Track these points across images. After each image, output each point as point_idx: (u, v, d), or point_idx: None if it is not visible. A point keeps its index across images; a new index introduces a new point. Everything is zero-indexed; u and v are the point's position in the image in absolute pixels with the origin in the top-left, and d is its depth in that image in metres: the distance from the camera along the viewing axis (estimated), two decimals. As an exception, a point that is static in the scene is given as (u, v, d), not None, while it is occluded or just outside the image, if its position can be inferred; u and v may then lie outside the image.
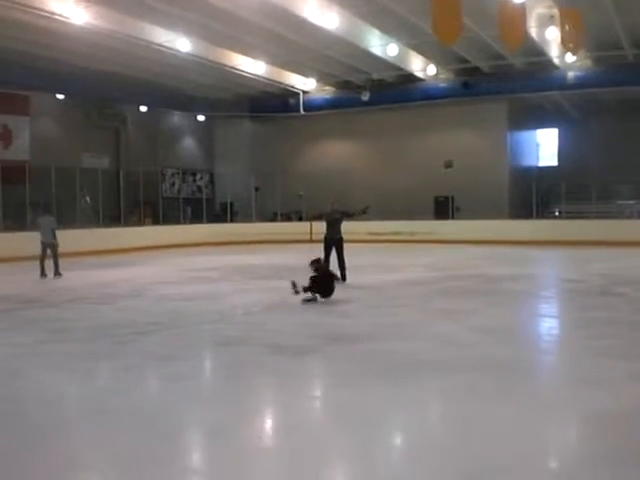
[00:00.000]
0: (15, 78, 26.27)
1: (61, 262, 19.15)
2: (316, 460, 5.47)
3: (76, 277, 19.19)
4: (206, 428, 6.43)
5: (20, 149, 28.39)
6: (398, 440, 6.23)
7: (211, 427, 6.38)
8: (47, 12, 20.63)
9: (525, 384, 7.62)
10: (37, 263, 18.81)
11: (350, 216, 17.08)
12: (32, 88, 27.85)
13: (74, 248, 25.48)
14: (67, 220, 27.75)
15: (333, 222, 16.50)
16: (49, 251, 19.07)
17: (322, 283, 13.20)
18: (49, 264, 18.91)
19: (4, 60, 25.14)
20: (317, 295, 13.10)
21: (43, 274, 18.78)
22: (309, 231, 28.88)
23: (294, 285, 13.17)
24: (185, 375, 8.13)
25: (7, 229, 25.45)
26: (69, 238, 25.94)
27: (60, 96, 29.90)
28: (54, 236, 19.06)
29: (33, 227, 23.66)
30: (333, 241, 16.36)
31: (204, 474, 5.43)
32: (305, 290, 13.07)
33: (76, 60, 26.25)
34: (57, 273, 18.88)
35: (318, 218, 17.34)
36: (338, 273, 15.26)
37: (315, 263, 13.53)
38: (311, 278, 13.21)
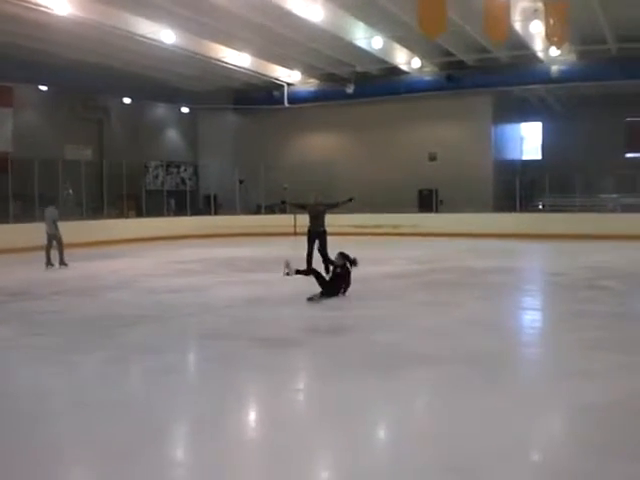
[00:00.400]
0: (-2, 69, 26.07)
1: (43, 255, 19.13)
2: (301, 453, 5.47)
3: (61, 269, 19.11)
4: (191, 420, 6.43)
5: (2, 140, 28.17)
6: (383, 432, 6.25)
7: (196, 419, 6.38)
8: (31, 3, 20.48)
9: (510, 377, 7.66)
10: (20, 255, 18.75)
11: (334, 206, 16.83)
12: (15, 79, 27.61)
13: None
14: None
15: (317, 215, 16.25)
16: (54, 242, 19.50)
17: (336, 281, 12.97)
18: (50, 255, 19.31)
19: (-13, 51, 24.97)
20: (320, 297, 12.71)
21: (49, 264, 19.28)
22: (293, 224, 28.87)
23: (287, 265, 13.01)
24: (170, 368, 8.11)
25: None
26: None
27: (43, 87, 29.69)
28: (56, 227, 19.47)
29: (18, 219, 23.66)
30: (316, 234, 16.09)
31: (188, 467, 5.42)
32: (297, 272, 12.97)
33: (60, 51, 26.07)
34: (62, 263, 19.41)
35: (301, 207, 17.01)
36: (322, 266, 14.94)
37: (343, 257, 13.11)
38: (333, 271, 13.16)
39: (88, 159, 32.06)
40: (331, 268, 13.51)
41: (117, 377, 7.82)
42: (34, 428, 6.02)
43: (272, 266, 15.21)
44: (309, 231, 16.34)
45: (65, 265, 19.37)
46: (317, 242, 16.01)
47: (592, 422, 6.03)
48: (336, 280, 12.95)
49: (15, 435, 5.85)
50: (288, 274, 12.98)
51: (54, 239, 19.47)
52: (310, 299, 12.50)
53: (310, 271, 13.12)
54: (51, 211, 19.80)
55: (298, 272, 12.99)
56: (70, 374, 7.96)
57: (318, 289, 12.68)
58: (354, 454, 5.42)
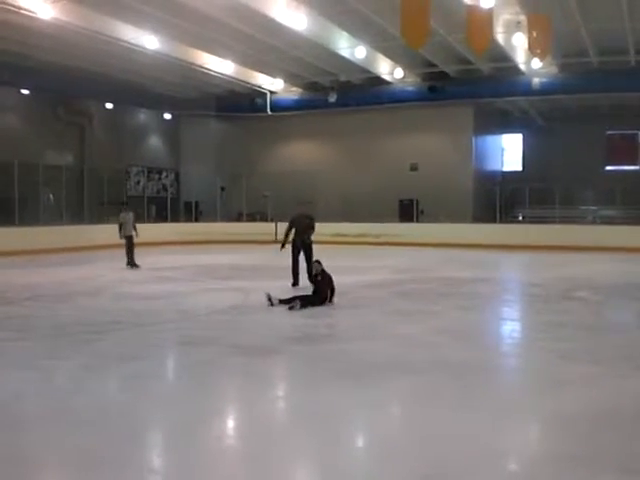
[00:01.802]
0: (-22, 72, 25.94)
1: (23, 260, 19.03)
2: (277, 461, 5.46)
3: (37, 275, 18.99)
4: (166, 428, 6.41)
5: (-18, 144, 28.02)
6: (357, 441, 6.24)
7: (171, 427, 6.35)
8: (14, 7, 20.38)
9: (485, 386, 7.67)
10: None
11: (311, 229, 16.23)
12: (-4, 82, 27.51)
13: (36, 245, 25.34)
14: (29, 217, 27.53)
15: (304, 227, 16.00)
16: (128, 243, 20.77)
17: (320, 289, 13.02)
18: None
19: (-33, 54, 24.83)
20: (298, 303, 12.66)
21: (134, 265, 20.62)
22: (274, 231, 28.85)
23: (269, 297, 12.81)
24: (146, 375, 8.08)
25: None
26: (31, 235, 25.83)
27: (25, 91, 29.56)
28: (134, 229, 20.92)
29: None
30: (303, 245, 15.91)
31: (163, 474, 5.40)
32: (281, 302, 12.81)
33: (42, 55, 25.96)
34: (134, 264, 20.66)
35: (290, 228, 16.11)
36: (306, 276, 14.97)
37: (320, 264, 13.26)
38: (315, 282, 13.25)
39: (69, 164, 31.91)
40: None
41: (93, 383, 7.76)
42: (6, 434, 5.97)
43: (252, 274, 15.21)
44: (294, 242, 16.05)
45: (137, 266, 20.54)
46: (302, 253, 15.82)
47: (567, 432, 6.05)
48: (319, 288, 12.98)
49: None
50: (272, 305, 12.77)
51: (130, 241, 20.65)
52: (291, 308, 12.49)
53: (294, 298, 12.95)
54: (129, 215, 21.08)
55: (282, 302, 12.84)
56: (44, 380, 7.88)
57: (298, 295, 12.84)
58: (330, 462, 5.41)
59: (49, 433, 6.11)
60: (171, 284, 17.07)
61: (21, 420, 6.48)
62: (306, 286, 14.16)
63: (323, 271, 13.09)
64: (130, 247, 20.71)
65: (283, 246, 15.99)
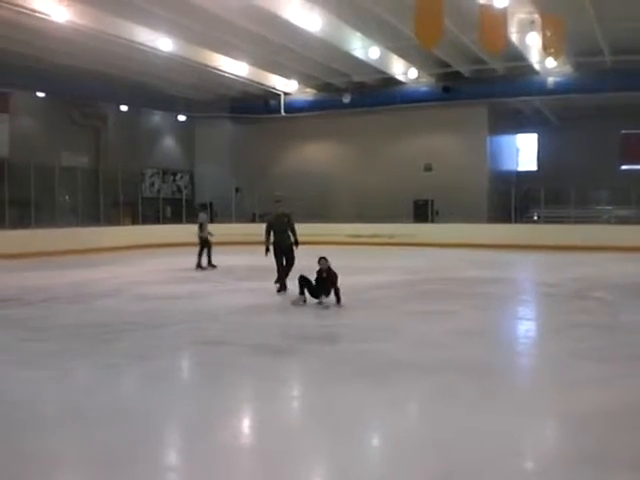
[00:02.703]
0: (-5, 75, 26.11)
1: (40, 261, 19.10)
2: (293, 460, 5.47)
3: (53, 276, 19.09)
4: (183, 427, 6.44)
5: (-1, 146, 28.21)
6: (373, 441, 6.25)
7: (188, 426, 6.38)
8: (28, 9, 20.51)
9: (501, 386, 7.67)
10: (13, 261, 18.69)
11: (292, 228, 15.15)
12: (12, 86, 27.66)
13: (52, 247, 25.46)
14: (45, 219, 27.69)
15: (282, 227, 15.00)
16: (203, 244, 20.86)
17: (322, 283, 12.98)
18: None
19: (-16, 57, 25.00)
20: (304, 299, 12.91)
21: (200, 267, 20.55)
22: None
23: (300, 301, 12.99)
24: (162, 374, 8.12)
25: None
26: (47, 237, 25.98)
27: (40, 94, 29.72)
28: (208, 231, 21.07)
29: (14, 225, 23.66)
30: (285, 247, 14.96)
31: (181, 473, 5.43)
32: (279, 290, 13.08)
33: (57, 58, 26.12)
34: (211, 265, 20.76)
35: (269, 230, 15.02)
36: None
37: (327, 261, 13.13)
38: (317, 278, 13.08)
39: (84, 166, 32.05)
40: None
41: (110, 383, 7.81)
42: (25, 434, 6.02)
43: (267, 274, 15.20)
44: (275, 243, 14.99)
45: (214, 267, 20.61)
46: (284, 257, 14.96)
47: (583, 431, 6.05)
48: (322, 283, 12.95)
49: (9, 441, 5.85)
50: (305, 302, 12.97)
51: (206, 242, 20.78)
52: (294, 302, 12.77)
53: (301, 283, 13.02)
54: (203, 216, 21.50)
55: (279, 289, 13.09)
56: (62, 380, 7.94)
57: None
58: (346, 462, 5.42)
59: (67, 432, 6.16)
60: (187, 285, 17.12)
61: (39, 419, 6.52)
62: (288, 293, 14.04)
63: (329, 269, 13.00)
64: (207, 248, 20.82)
65: (267, 250, 14.88)
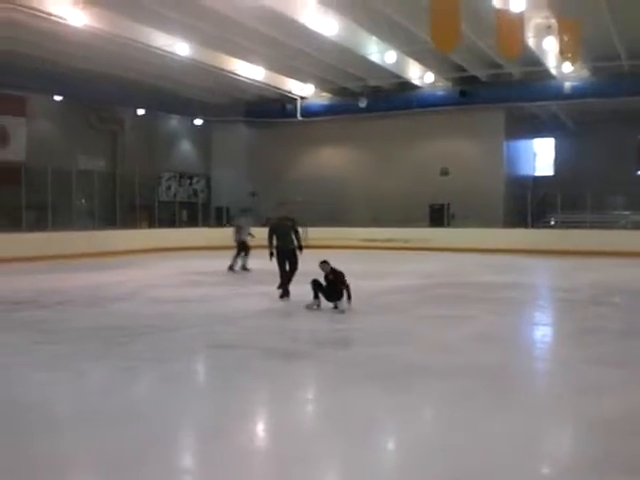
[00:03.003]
0: (12, 79, 26.20)
1: (56, 264, 19.18)
2: (307, 464, 5.47)
3: (69, 279, 19.19)
4: (198, 430, 6.45)
5: (16, 150, 28.32)
6: (386, 445, 6.23)
7: (203, 429, 6.39)
8: (45, 13, 20.62)
9: (518, 391, 7.64)
10: (30, 264, 18.77)
11: (296, 231, 14.79)
12: (29, 89, 27.82)
13: (69, 250, 25.58)
14: (62, 222, 27.83)
15: (285, 231, 14.58)
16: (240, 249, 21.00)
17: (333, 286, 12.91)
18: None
19: (2, 61, 25.09)
20: (319, 304, 12.90)
21: (232, 269, 20.77)
22: (304, 237, 28.87)
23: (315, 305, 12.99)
24: (176, 377, 8.14)
25: (2, 230, 25.38)
26: (64, 240, 26.10)
27: (58, 98, 29.88)
28: (241, 233, 21.32)
29: (31, 229, 23.81)
30: (287, 252, 14.48)
31: (196, 475, 5.44)
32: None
33: (74, 62, 26.24)
34: (245, 268, 20.97)
35: (272, 235, 14.65)
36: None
37: (327, 264, 13.09)
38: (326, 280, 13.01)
39: (101, 170, 32.19)
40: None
41: (125, 386, 7.84)
42: (40, 436, 6.05)
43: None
44: (278, 248, 14.52)
45: (247, 270, 20.81)
46: (287, 262, 14.50)
47: (599, 436, 6.02)
48: (334, 287, 12.87)
49: (24, 443, 5.87)
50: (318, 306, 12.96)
51: (243, 246, 20.93)
52: (308, 307, 12.79)
53: (314, 287, 12.98)
54: (247, 220, 21.85)
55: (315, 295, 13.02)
56: (77, 383, 7.98)
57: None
58: (360, 467, 5.41)
59: (82, 434, 6.17)
60: (202, 288, 17.16)
61: (54, 421, 6.56)
62: (297, 298, 13.88)
63: (333, 270, 12.93)
64: (244, 251, 20.93)
65: (271, 255, 14.43)
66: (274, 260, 14.45)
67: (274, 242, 14.54)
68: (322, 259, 13.18)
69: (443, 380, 7.88)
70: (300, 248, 14.59)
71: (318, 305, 12.91)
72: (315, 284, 12.93)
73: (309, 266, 13.69)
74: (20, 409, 6.91)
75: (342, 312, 12.51)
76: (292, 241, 14.54)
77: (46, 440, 5.94)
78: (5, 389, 7.67)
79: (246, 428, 6.45)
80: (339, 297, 12.78)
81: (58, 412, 6.87)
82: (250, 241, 21.17)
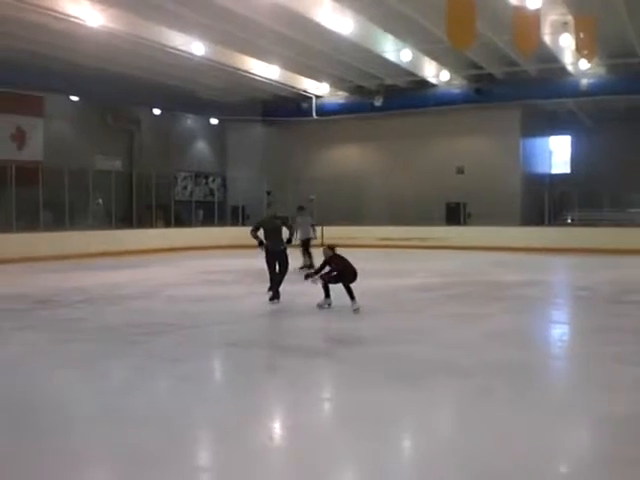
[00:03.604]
0: (29, 79, 26.35)
1: (74, 263, 19.26)
2: (326, 462, 5.49)
3: (87, 278, 19.27)
4: (217, 428, 6.47)
5: (33, 150, 28.47)
6: (408, 443, 6.23)
7: (221, 427, 6.41)
8: (62, 14, 20.72)
9: (537, 389, 7.63)
10: (47, 263, 18.85)
11: (287, 227, 14.58)
12: (46, 89, 27.94)
13: (86, 249, 25.72)
14: (80, 222, 27.99)
15: (274, 230, 14.05)
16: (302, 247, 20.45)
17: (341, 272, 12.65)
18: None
19: (19, 61, 25.27)
20: (330, 303, 12.78)
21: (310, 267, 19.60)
22: (320, 235, 28.93)
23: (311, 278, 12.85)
24: (195, 376, 8.17)
25: (20, 230, 25.56)
26: (82, 239, 26.25)
27: (74, 98, 30.00)
28: (314, 231, 21.07)
29: (48, 228, 23.94)
30: (276, 253, 13.98)
31: (215, 474, 5.47)
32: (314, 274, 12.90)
33: (91, 62, 26.34)
34: (304, 264, 20.13)
35: (257, 229, 14.08)
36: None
37: (330, 248, 12.87)
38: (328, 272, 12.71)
39: (118, 169, 32.32)
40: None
41: (143, 384, 7.88)
42: (60, 432, 6.09)
43: (298, 277, 15.20)
44: (267, 249, 14.00)
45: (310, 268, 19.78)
46: (277, 263, 14.03)
47: (619, 434, 6.01)
48: (339, 271, 12.63)
49: (42, 439, 5.91)
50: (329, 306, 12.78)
51: (307, 244, 20.52)
52: (319, 306, 12.68)
53: (325, 287, 12.85)
54: (305, 218, 21.20)
55: (313, 274, 12.97)
56: (96, 380, 8.03)
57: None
58: (378, 465, 5.42)
59: (101, 432, 6.21)
60: (219, 287, 17.20)
61: (74, 419, 6.59)
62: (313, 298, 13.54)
63: (335, 255, 12.73)
64: (307, 250, 20.54)
65: (261, 243, 13.92)
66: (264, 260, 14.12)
67: (263, 241, 14.02)
68: (328, 244, 13.13)
69: (461, 378, 7.87)
70: (289, 241, 14.39)
71: (329, 304, 12.81)
72: (324, 281, 12.81)
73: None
74: (40, 407, 6.96)
75: (356, 311, 12.38)
76: (282, 241, 14.13)
77: (66, 438, 5.98)
78: (25, 387, 7.71)
79: (263, 427, 6.46)
80: (351, 280, 12.56)
81: (77, 410, 6.91)
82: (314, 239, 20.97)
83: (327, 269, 12.67)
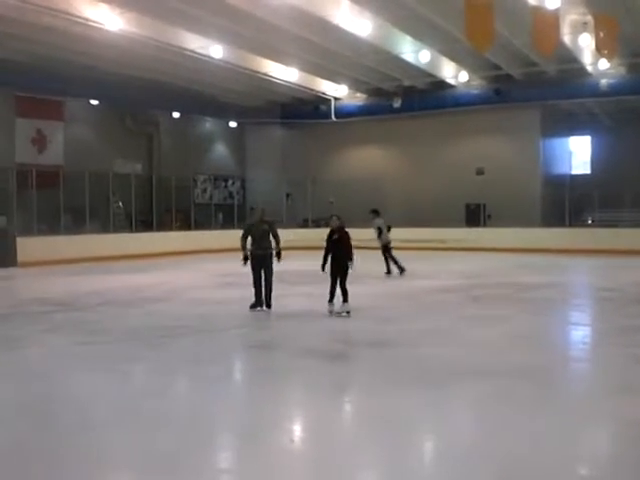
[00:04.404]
0: (50, 84, 26.54)
1: (93, 267, 19.33)
2: (348, 465, 5.47)
3: (108, 281, 19.34)
4: (238, 430, 6.46)
5: (54, 154, 28.64)
6: (431, 446, 6.20)
7: (243, 429, 6.40)
8: (82, 18, 20.82)
9: (559, 391, 7.58)
10: (68, 267, 18.93)
11: (275, 235, 13.51)
12: (66, 94, 28.11)
13: (106, 252, 25.83)
14: (100, 225, 28.13)
15: (261, 234, 13.34)
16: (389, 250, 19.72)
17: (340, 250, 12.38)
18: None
19: (39, 66, 25.45)
20: (349, 311, 12.39)
21: (402, 270, 19.48)
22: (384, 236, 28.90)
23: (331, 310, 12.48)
24: (216, 378, 8.17)
25: (41, 233, 25.73)
26: (102, 243, 26.37)
27: (94, 102, 30.15)
28: (383, 234, 19.81)
29: (69, 231, 24.06)
30: (261, 258, 13.27)
31: (235, 476, 5.45)
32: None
33: (110, 66, 26.48)
34: (398, 269, 19.49)
35: (246, 237, 13.46)
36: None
37: (339, 219, 12.67)
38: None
39: (138, 172, 32.44)
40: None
41: (164, 386, 7.89)
42: (82, 435, 6.10)
43: (318, 279, 15.18)
44: (252, 254, 13.36)
45: (393, 273, 19.57)
46: (263, 269, 13.33)
47: (637, 438, 5.95)
48: (339, 249, 12.41)
49: (64, 441, 5.94)
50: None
51: (386, 247, 19.71)
52: (330, 312, 12.37)
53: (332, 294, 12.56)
54: (379, 221, 20.05)
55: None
56: (117, 383, 8.04)
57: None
58: (401, 467, 5.39)
59: (121, 434, 6.23)
60: (239, 290, 17.13)
61: (94, 421, 6.61)
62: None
63: (342, 229, 12.53)
64: (388, 252, 19.81)
65: (245, 259, 13.32)
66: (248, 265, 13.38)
67: (248, 245, 13.42)
68: (335, 214, 12.95)
69: (483, 380, 7.83)
70: (278, 254, 13.42)
71: (331, 311, 12.42)
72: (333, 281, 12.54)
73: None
74: (60, 409, 6.99)
75: (347, 314, 12.21)
76: (269, 246, 13.36)
77: (86, 440, 6.00)
78: (46, 389, 7.74)
79: (285, 429, 6.46)
80: (346, 263, 12.34)
81: (98, 412, 6.93)
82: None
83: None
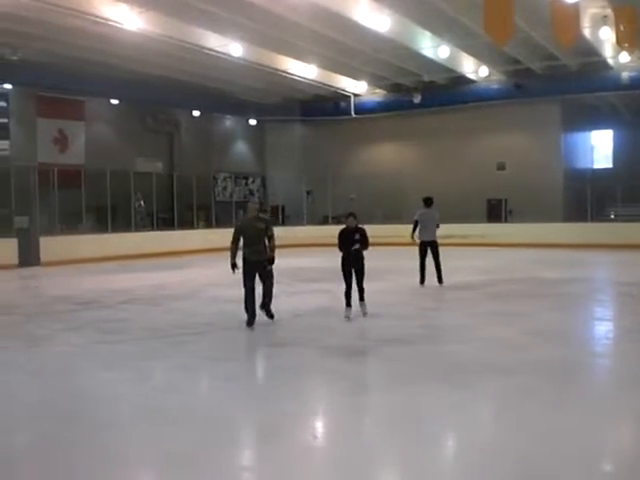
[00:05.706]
0: (70, 84, 26.67)
1: (116, 265, 19.40)
2: (367, 462, 5.47)
3: (130, 279, 19.44)
4: (260, 428, 6.49)
5: (75, 153, 28.80)
6: (451, 443, 6.20)
7: (265, 427, 6.42)
8: (101, 18, 20.90)
9: (581, 387, 7.56)
10: (91, 265, 19.03)
11: (270, 236, 11.54)
12: (87, 93, 28.26)
13: (128, 251, 25.97)
14: (122, 223, 28.28)
15: (257, 234, 11.52)
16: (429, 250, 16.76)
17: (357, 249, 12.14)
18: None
19: (60, 66, 25.59)
20: (366, 313, 12.10)
21: (423, 281, 16.45)
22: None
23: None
24: (237, 375, 8.22)
25: (63, 232, 25.91)
26: (124, 241, 26.51)
27: (114, 101, 30.28)
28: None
29: (91, 230, 24.18)
30: (255, 264, 11.38)
31: (256, 473, 5.48)
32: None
33: (130, 65, 26.58)
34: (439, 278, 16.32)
35: (237, 238, 11.75)
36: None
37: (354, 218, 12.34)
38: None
39: (159, 171, 32.55)
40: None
41: (186, 384, 7.94)
42: (105, 431, 6.15)
43: (337, 276, 15.18)
44: (244, 260, 11.47)
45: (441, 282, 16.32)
46: (257, 275, 11.57)
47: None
48: (356, 248, 12.17)
49: (87, 437, 5.98)
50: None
51: (430, 246, 16.85)
52: (347, 317, 11.91)
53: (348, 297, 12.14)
54: (432, 213, 17.57)
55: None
56: (140, 380, 8.10)
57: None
58: (422, 464, 5.40)
59: (143, 431, 6.29)
60: (259, 287, 17.19)
61: (118, 418, 6.66)
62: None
63: (358, 228, 12.28)
64: (425, 257, 16.88)
65: (234, 267, 11.40)
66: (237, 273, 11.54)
67: (239, 249, 11.64)
68: (351, 212, 12.51)
69: (504, 377, 7.82)
70: (270, 260, 11.50)
71: (348, 317, 11.97)
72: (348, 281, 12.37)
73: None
74: (83, 407, 7.05)
75: (364, 316, 12.04)
76: (264, 249, 11.47)
77: (107, 437, 6.04)
78: (69, 387, 7.82)
79: (306, 427, 6.48)
80: (363, 262, 12.20)
81: (120, 410, 6.98)
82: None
83: (357, 245, 12.11)
